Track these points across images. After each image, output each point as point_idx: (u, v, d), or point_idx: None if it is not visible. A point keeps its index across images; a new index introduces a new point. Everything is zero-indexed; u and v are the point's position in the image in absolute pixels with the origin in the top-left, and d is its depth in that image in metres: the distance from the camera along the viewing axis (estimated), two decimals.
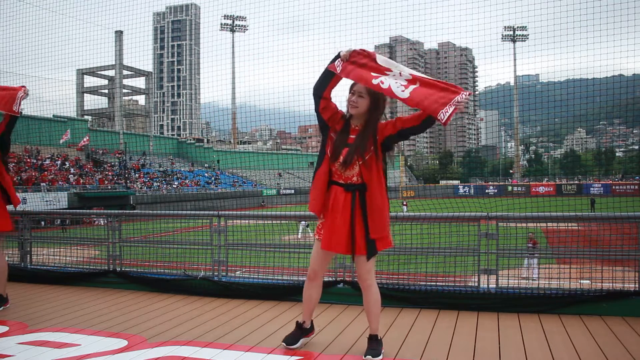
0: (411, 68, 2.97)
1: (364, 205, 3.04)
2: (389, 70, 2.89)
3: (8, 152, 4.61)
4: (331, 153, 3.06)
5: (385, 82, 2.84)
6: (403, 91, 2.80)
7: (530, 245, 10.17)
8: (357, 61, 2.95)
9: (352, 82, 3.01)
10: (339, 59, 2.99)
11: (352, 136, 3.05)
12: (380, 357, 3.07)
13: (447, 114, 2.65)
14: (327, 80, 3.06)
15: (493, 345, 3.35)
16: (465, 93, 2.70)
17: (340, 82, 3.12)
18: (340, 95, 3.29)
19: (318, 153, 3.17)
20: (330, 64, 3.01)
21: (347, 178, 3.06)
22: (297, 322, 3.37)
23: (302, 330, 3.34)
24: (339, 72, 2.97)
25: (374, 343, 3.14)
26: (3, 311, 4.33)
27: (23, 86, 4.36)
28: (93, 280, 5.43)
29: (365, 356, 3.07)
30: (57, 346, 3.41)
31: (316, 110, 3.12)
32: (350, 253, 3.08)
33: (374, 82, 2.86)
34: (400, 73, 2.87)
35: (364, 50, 2.99)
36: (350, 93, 3.04)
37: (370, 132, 3.01)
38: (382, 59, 2.95)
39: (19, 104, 4.28)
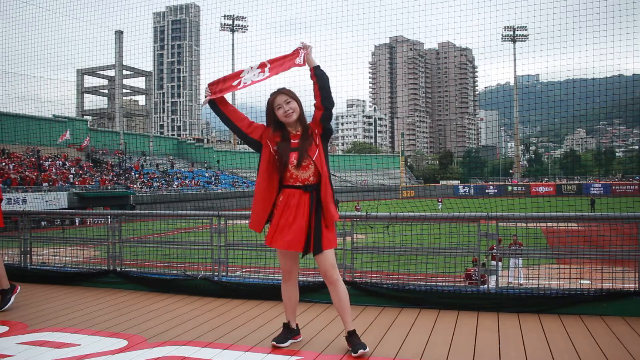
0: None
1: (319, 203, 3.15)
2: (241, 71, 3.35)
3: None
4: (282, 162, 3.14)
5: (246, 78, 3.33)
6: (263, 74, 3.31)
7: (517, 245, 10.15)
8: (217, 85, 3.35)
9: (271, 102, 3.21)
10: (206, 92, 3.35)
11: (294, 141, 3.19)
12: (367, 349, 3.11)
13: (301, 59, 3.24)
14: (219, 112, 3.32)
15: (493, 345, 3.35)
16: (300, 48, 3.23)
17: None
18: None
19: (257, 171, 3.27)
20: (204, 101, 3.32)
21: (304, 180, 3.16)
22: (283, 323, 3.43)
23: (289, 330, 3.40)
24: (213, 96, 3.31)
25: (356, 338, 3.18)
26: (3, 311, 4.33)
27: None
28: (93, 280, 5.43)
29: (356, 353, 3.08)
30: (57, 346, 3.41)
31: (246, 138, 3.25)
32: (308, 251, 3.14)
33: (239, 86, 3.31)
34: (250, 67, 3.34)
35: (216, 80, 3.39)
36: (277, 108, 3.18)
37: (310, 131, 3.19)
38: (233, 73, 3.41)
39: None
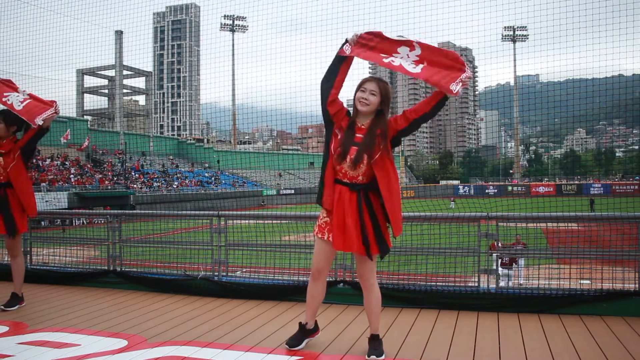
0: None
1: (370, 205, 2.99)
2: (397, 53, 3.01)
3: (29, 161, 4.69)
4: (337, 152, 2.99)
5: (396, 61, 3.00)
6: (414, 68, 2.97)
7: (520, 246, 10.11)
8: (367, 43, 3.06)
9: (360, 83, 3.03)
10: (347, 43, 3.06)
11: (358, 135, 3.00)
12: (383, 356, 3.06)
13: (457, 88, 2.85)
14: (337, 66, 3.06)
15: (493, 345, 3.35)
16: (469, 70, 2.89)
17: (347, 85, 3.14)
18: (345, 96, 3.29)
19: (323, 149, 3.10)
20: (340, 49, 3.05)
21: (352, 177, 3.00)
22: (299, 323, 3.31)
23: (305, 332, 3.29)
24: (348, 53, 3.03)
25: (376, 343, 3.13)
26: (3, 311, 4.33)
27: (54, 101, 4.45)
28: (93, 280, 5.42)
29: (368, 356, 3.06)
30: (57, 346, 3.41)
31: (324, 102, 3.04)
32: (363, 252, 2.99)
33: (385, 61, 3.00)
34: (407, 55, 3.01)
35: (370, 32, 3.08)
36: (361, 90, 2.99)
37: (378, 130, 2.97)
38: (391, 36, 3.05)
39: (44, 118, 4.35)
